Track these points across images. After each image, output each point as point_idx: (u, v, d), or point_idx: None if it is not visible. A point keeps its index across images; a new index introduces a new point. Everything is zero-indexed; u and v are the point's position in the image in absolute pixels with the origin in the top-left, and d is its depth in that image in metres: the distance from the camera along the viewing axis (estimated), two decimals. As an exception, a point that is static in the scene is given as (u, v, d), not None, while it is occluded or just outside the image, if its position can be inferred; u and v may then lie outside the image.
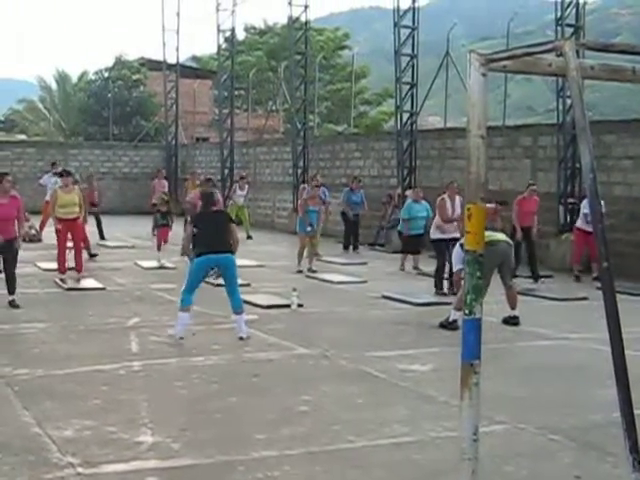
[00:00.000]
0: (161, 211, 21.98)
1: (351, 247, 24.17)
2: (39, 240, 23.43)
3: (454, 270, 13.70)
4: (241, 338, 11.56)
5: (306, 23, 31.55)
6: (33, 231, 23.79)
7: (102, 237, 25.08)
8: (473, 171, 4.90)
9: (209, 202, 12.15)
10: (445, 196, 16.64)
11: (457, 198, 16.48)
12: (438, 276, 16.50)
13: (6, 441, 7.18)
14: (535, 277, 18.27)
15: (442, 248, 16.30)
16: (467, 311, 5.01)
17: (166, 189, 27.01)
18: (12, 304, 13.85)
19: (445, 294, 15.94)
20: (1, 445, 7.07)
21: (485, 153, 4.92)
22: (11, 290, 13.98)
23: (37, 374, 9.55)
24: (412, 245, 19.35)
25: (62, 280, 16.56)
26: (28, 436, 7.37)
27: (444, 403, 8.58)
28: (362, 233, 24.58)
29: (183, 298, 11.63)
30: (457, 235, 15.16)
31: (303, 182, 28.15)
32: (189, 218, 15.68)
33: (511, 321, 13.11)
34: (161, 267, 19.31)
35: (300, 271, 19.01)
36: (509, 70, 5.05)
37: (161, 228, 21.82)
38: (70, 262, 17.16)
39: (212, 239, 11.52)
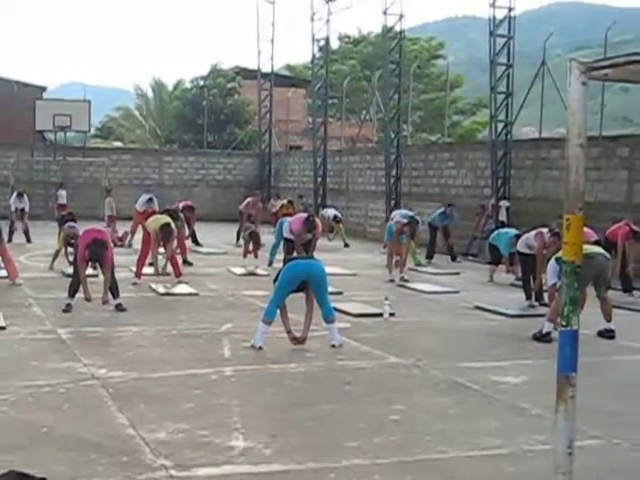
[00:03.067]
0: (248, 229, 22.24)
1: (449, 257, 24.01)
2: (121, 245, 23.65)
3: (548, 284, 13.51)
4: (333, 346, 11.56)
5: (400, 32, 31.49)
6: (117, 234, 24.27)
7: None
8: (572, 180, 4.83)
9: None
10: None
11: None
12: (526, 287, 16.30)
13: (101, 442, 7.29)
14: (627, 290, 17.89)
15: (529, 261, 16.11)
16: (564, 323, 4.94)
17: (256, 209, 27.16)
18: (119, 307, 14.14)
19: (533, 306, 15.78)
20: (96, 446, 7.18)
21: (584, 163, 4.85)
22: (114, 294, 14.27)
23: (131, 377, 9.68)
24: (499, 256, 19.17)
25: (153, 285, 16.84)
26: (122, 437, 7.47)
27: (537, 416, 8.46)
28: (455, 243, 24.38)
29: (268, 310, 11.55)
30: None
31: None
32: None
33: (606, 334, 12.88)
34: (252, 274, 19.43)
35: (392, 280, 18.95)
36: (610, 79, 4.98)
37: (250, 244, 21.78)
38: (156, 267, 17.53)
39: (303, 253, 11.59)
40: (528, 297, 16.13)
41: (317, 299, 11.66)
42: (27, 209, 26.56)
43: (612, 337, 12.82)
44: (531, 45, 35.09)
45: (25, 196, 26.75)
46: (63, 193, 33.37)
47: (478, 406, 9.01)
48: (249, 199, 27.55)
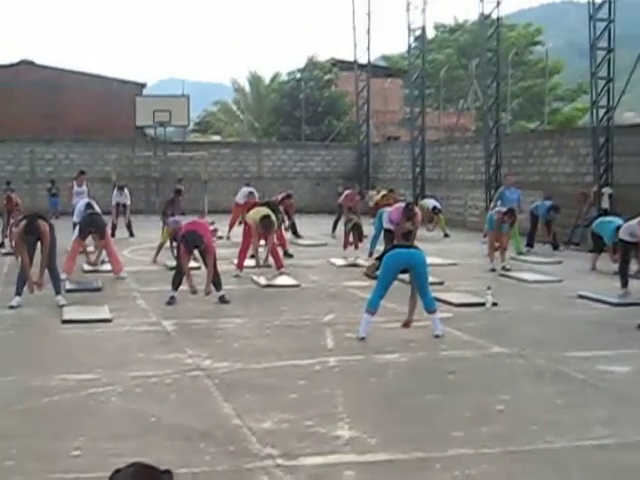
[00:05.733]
0: (351, 220, 22.22)
1: (549, 245, 23.69)
2: (217, 238, 23.66)
3: None
4: (437, 336, 11.52)
5: (498, 19, 31.20)
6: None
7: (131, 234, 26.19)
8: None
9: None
10: None
11: None
12: (624, 275, 15.94)
13: (208, 431, 7.39)
14: None
15: (631, 249, 15.79)
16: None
17: (355, 202, 26.73)
18: (222, 299, 14.33)
19: (629, 294, 15.48)
20: (203, 435, 7.28)
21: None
22: (217, 287, 14.45)
23: (236, 367, 9.79)
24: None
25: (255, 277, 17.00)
26: (229, 427, 7.56)
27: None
28: (557, 232, 24.04)
29: (371, 300, 11.58)
30: None
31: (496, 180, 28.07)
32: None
33: None
34: (353, 265, 19.45)
35: (493, 270, 18.78)
36: None
37: (351, 233, 21.81)
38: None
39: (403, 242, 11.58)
40: (624, 285, 15.81)
41: (418, 289, 11.62)
42: (129, 203, 26.97)
43: None
44: (634, 28, 34.38)
45: (126, 190, 27.16)
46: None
47: (584, 395, 8.90)
48: (347, 192, 27.48)
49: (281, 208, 21.73)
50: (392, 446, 7.10)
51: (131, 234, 25.92)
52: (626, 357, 10.66)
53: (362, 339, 11.32)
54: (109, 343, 11.21)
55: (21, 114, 40.64)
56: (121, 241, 23.40)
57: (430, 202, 28.67)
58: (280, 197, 25.17)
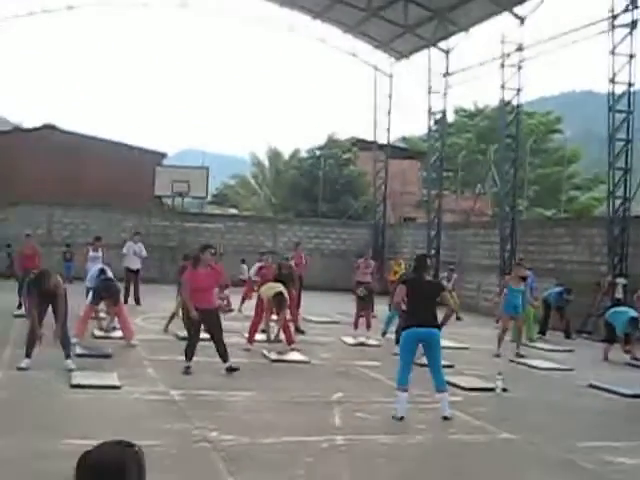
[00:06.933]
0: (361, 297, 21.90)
1: (563, 334, 23.58)
2: (229, 311, 23.60)
3: None
4: (445, 418, 11.44)
5: (518, 106, 31.46)
6: (224, 302, 24.11)
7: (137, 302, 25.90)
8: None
9: (420, 266, 12.12)
10: None
11: None
12: None
13: (212, 505, 7.32)
14: None
15: None
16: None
17: (371, 269, 26.15)
18: (230, 369, 14.27)
19: None
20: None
21: None
22: (224, 358, 14.40)
23: (243, 441, 9.71)
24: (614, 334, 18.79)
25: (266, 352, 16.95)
26: (233, 502, 7.49)
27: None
28: (569, 320, 23.95)
29: (399, 378, 11.57)
30: None
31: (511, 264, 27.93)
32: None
33: None
34: (362, 344, 19.40)
35: (498, 355, 18.67)
36: None
37: (363, 308, 21.61)
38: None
39: (420, 312, 11.50)
40: None
41: (430, 366, 11.65)
42: (139, 267, 26.94)
43: None
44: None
45: (140, 244, 27.20)
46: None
47: (594, 487, 8.80)
48: (360, 260, 26.90)
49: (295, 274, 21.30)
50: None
51: (138, 302, 25.79)
52: (637, 449, 10.56)
53: (402, 419, 11.28)
54: (116, 410, 11.16)
55: (42, 177, 40.96)
56: (133, 308, 23.40)
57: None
58: (294, 262, 24.77)
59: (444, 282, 28.03)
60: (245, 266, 26.69)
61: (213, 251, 14.86)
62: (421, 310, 11.50)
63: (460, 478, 8.80)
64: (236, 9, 37.96)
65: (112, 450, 3.23)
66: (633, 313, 18.18)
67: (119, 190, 41.77)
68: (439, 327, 11.65)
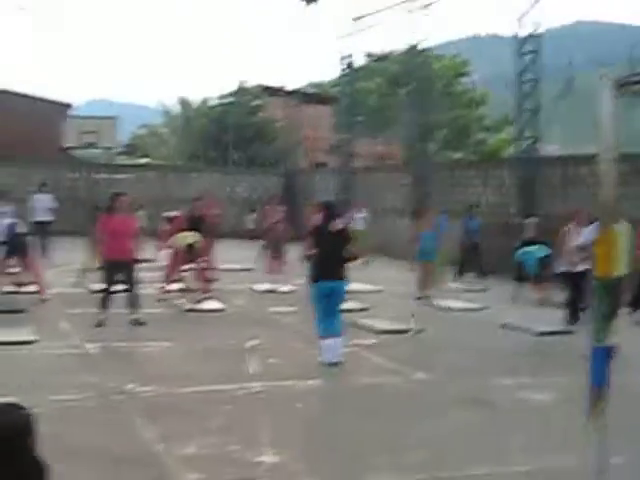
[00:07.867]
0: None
1: (475, 274, 23.77)
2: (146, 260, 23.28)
3: None
4: (334, 364, 11.43)
5: (423, 50, 31.48)
6: None
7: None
8: (604, 195, 4.83)
9: (327, 214, 11.84)
10: (570, 226, 15.87)
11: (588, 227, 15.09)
12: (572, 307, 15.75)
13: (131, 456, 7.32)
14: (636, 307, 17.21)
15: (573, 281, 15.62)
16: (596, 338, 4.93)
17: (278, 216, 25.69)
18: (135, 322, 14.18)
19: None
20: (125, 460, 7.21)
21: (615, 177, 4.84)
22: (133, 310, 14.32)
23: (160, 392, 9.70)
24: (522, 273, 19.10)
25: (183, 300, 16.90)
26: (152, 452, 7.49)
27: (566, 433, 8.37)
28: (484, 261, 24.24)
29: (319, 329, 11.64)
30: (587, 267, 14.21)
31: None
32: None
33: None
34: (273, 291, 19.47)
35: (419, 298, 18.88)
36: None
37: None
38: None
39: (328, 264, 11.50)
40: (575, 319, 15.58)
41: (328, 310, 11.64)
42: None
43: None
44: (555, 64, 35.01)
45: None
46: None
47: (507, 423, 8.98)
48: (266, 207, 26.37)
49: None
50: (315, 472, 7.10)
51: (47, 255, 25.37)
52: (548, 385, 10.75)
53: (336, 364, 11.33)
54: (30, 365, 11.04)
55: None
56: (44, 262, 23.03)
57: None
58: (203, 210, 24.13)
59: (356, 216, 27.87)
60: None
61: (125, 199, 14.70)
62: (327, 261, 11.51)
63: (375, 418, 8.89)
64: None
65: (2, 412, 3.20)
66: (542, 252, 18.44)
67: (24, 143, 40.80)
68: (344, 278, 11.75)
